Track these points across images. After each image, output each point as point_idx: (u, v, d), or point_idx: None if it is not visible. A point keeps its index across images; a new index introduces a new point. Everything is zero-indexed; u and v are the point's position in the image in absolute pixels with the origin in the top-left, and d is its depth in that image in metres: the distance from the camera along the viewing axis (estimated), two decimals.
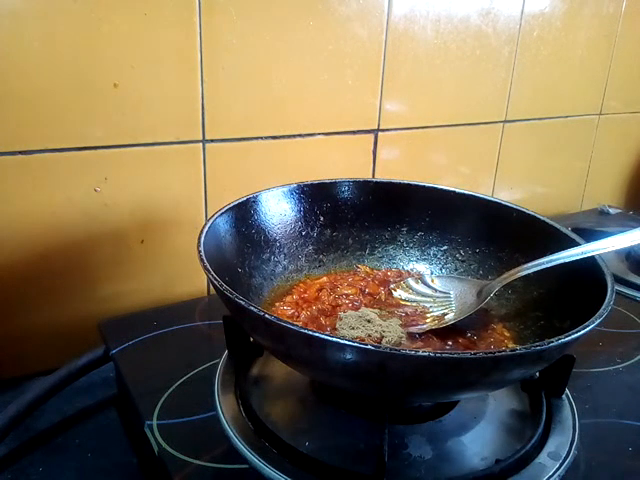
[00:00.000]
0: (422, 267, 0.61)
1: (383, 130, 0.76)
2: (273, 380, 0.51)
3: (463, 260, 0.59)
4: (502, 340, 0.50)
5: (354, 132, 0.74)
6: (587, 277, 0.46)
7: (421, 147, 0.81)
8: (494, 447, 0.43)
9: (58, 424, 0.52)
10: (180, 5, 0.57)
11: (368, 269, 0.60)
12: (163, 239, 0.65)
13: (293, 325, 0.35)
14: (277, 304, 0.54)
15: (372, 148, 0.77)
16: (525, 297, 0.53)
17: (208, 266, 0.41)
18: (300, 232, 0.59)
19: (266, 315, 0.36)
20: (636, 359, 0.58)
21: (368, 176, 0.78)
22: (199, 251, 0.43)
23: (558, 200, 1.07)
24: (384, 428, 0.40)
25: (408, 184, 0.61)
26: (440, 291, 0.55)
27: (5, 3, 0.50)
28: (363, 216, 0.61)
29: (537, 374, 0.48)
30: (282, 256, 0.57)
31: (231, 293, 0.38)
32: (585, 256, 0.46)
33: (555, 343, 0.35)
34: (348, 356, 0.34)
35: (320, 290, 0.56)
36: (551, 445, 0.43)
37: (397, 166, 0.80)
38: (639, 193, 1.18)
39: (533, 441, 0.43)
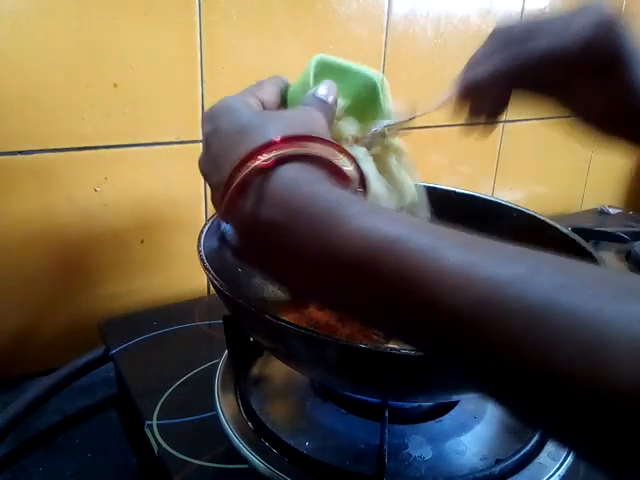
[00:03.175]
0: None
1: None
2: (273, 380, 0.50)
3: None
4: None
5: None
6: None
7: (421, 147, 0.81)
8: (494, 447, 0.43)
9: (58, 424, 0.52)
10: (180, 5, 0.57)
11: None
12: (163, 239, 0.65)
13: (293, 325, 0.35)
14: None
15: None
16: None
17: (208, 266, 0.40)
18: None
19: (266, 315, 0.36)
20: None
21: None
22: (199, 251, 0.43)
23: (558, 200, 1.07)
24: (384, 428, 0.40)
25: None
26: None
27: (5, 3, 0.50)
28: None
29: None
30: None
31: (231, 293, 0.38)
32: None
33: None
34: (348, 356, 0.34)
35: None
36: (551, 445, 0.43)
37: None
38: (639, 193, 1.18)
39: (533, 441, 0.43)
